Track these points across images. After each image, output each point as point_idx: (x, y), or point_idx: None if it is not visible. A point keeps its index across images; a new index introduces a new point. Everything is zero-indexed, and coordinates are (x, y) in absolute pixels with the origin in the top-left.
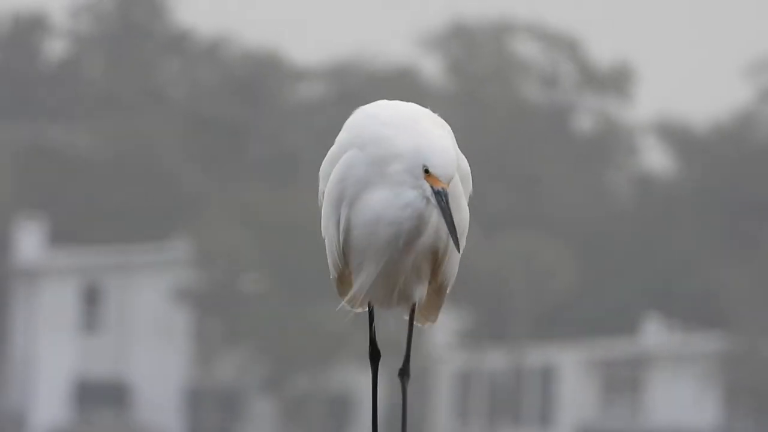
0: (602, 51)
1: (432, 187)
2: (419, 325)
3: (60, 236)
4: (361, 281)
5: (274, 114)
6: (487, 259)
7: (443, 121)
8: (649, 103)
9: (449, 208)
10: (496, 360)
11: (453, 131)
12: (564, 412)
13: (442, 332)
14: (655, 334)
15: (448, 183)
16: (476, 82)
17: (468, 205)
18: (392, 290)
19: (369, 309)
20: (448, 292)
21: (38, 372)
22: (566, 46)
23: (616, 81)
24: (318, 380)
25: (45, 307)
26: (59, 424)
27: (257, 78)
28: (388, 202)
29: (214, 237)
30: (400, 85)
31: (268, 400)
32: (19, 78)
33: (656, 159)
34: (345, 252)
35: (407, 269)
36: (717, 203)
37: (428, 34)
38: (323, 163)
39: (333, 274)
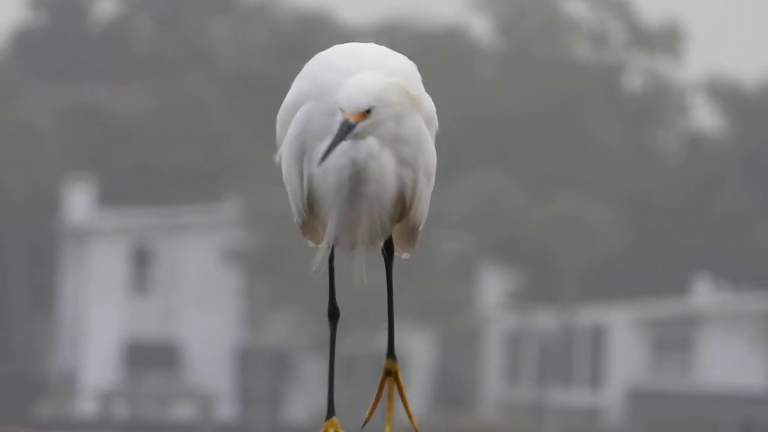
0: (652, 10)
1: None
2: (396, 254)
3: (109, 198)
4: (326, 231)
5: None
6: (536, 219)
7: (402, 59)
8: (698, 62)
9: (342, 136)
10: (545, 321)
11: (501, 91)
12: (614, 373)
13: (492, 293)
14: (704, 294)
15: (356, 113)
16: (525, 41)
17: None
18: (359, 237)
19: (329, 265)
20: (420, 229)
21: (88, 333)
22: (615, 4)
23: (666, 40)
24: (367, 340)
25: (95, 268)
26: (109, 385)
27: (306, 38)
28: (336, 155)
29: (263, 197)
30: (449, 44)
31: (318, 361)
32: (68, 40)
33: (705, 118)
34: (310, 202)
35: (371, 218)
36: (766, 162)
37: None
38: (281, 109)
39: (297, 220)
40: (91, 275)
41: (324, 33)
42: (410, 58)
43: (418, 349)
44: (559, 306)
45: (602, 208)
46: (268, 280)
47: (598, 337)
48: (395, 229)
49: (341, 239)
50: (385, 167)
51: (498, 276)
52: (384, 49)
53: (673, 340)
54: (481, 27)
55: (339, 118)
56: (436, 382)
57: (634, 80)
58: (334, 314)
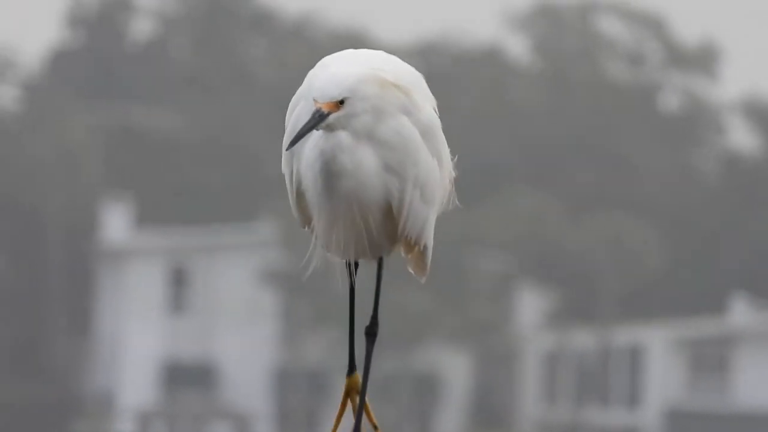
0: (688, 29)
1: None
2: (414, 274)
3: (147, 217)
4: (316, 231)
5: None
6: (574, 239)
7: (405, 67)
8: (735, 81)
9: (312, 125)
10: (583, 340)
11: (539, 111)
12: (651, 393)
13: (529, 313)
14: (742, 314)
15: (329, 103)
16: (562, 61)
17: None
18: (347, 241)
19: (350, 287)
20: (423, 248)
21: (126, 353)
22: (652, 24)
23: (703, 59)
24: (405, 360)
25: (132, 288)
26: (147, 405)
27: None
28: (309, 148)
29: None
30: (487, 64)
31: None
32: (105, 59)
33: (743, 138)
34: (301, 203)
35: (353, 219)
36: None
37: (514, 13)
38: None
39: (299, 223)
40: (129, 295)
41: None
42: (447, 78)
43: (455, 369)
44: (596, 326)
45: (640, 228)
46: (306, 300)
47: (635, 357)
48: (405, 246)
49: (331, 244)
50: (361, 164)
51: (536, 296)
52: (391, 56)
53: (710, 360)
54: (518, 47)
55: (312, 108)
56: (474, 402)
57: (671, 100)
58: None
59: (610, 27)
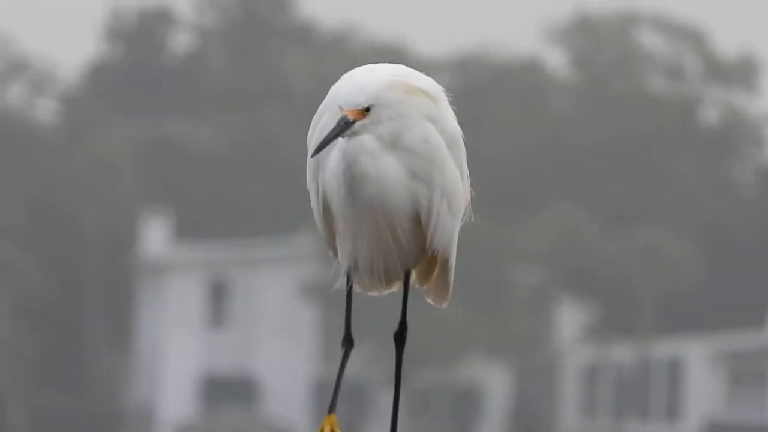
0: (727, 42)
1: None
2: (434, 303)
3: (186, 231)
4: (341, 251)
5: None
6: (612, 252)
7: (427, 79)
8: None
9: (337, 132)
10: (622, 354)
11: (577, 124)
12: (691, 406)
13: (568, 326)
14: None
15: (354, 110)
16: (601, 74)
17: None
18: (374, 255)
19: (347, 291)
20: (448, 265)
21: (165, 367)
22: (691, 37)
23: (742, 72)
24: (444, 374)
25: (171, 302)
26: (187, 419)
27: None
28: (333, 158)
29: None
30: (525, 77)
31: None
32: (144, 72)
33: None
34: (327, 219)
35: (378, 228)
36: None
37: (553, 26)
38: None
39: (325, 242)
40: (168, 309)
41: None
42: (485, 90)
43: (494, 383)
44: (635, 339)
45: (678, 241)
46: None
47: (674, 370)
48: (426, 267)
49: (358, 260)
50: (385, 169)
51: (574, 309)
52: (412, 70)
53: (749, 373)
54: (556, 60)
55: (338, 115)
56: (513, 416)
57: (709, 113)
58: (348, 343)
59: (649, 39)
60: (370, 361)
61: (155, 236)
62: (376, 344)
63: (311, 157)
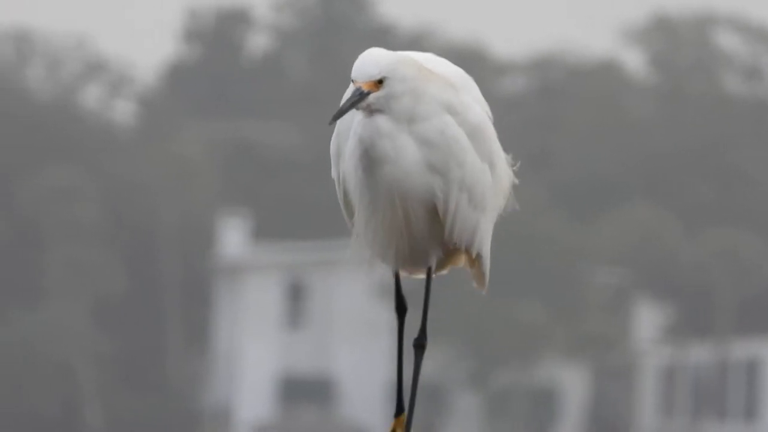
0: None
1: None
2: (477, 288)
3: (263, 232)
4: (356, 228)
5: None
6: (690, 252)
7: (455, 68)
8: None
9: (353, 102)
10: (700, 354)
11: (655, 124)
12: None
13: (646, 327)
14: None
15: (368, 82)
16: (678, 75)
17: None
18: (388, 240)
19: (394, 275)
20: (479, 257)
21: (243, 368)
22: None
23: None
24: (522, 374)
25: (249, 303)
26: (264, 419)
27: None
28: (351, 141)
29: None
30: (602, 78)
31: (472, 395)
32: (221, 73)
33: None
34: (348, 207)
35: (394, 210)
36: None
37: (630, 27)
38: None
39: (348, 223)
40: (246, 310)
41: (477, 66)
42: (563, 91)
43: (572, 383)
44: (713, 339)
45: (757, 241)
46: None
47: (752, 370)
48: (457, 255)
49: (372, 244)
50: (403, 150)
51: (652, 310)
52: (441, 59)
53: None
54: (634, 61)
55: (351, 88)
56: (592, 416)
57: None
58: (400, 309)
59: (727, 41)
60: (447, 361)
61: (233, 238)
62: (453, 345)
63: (329, 123)
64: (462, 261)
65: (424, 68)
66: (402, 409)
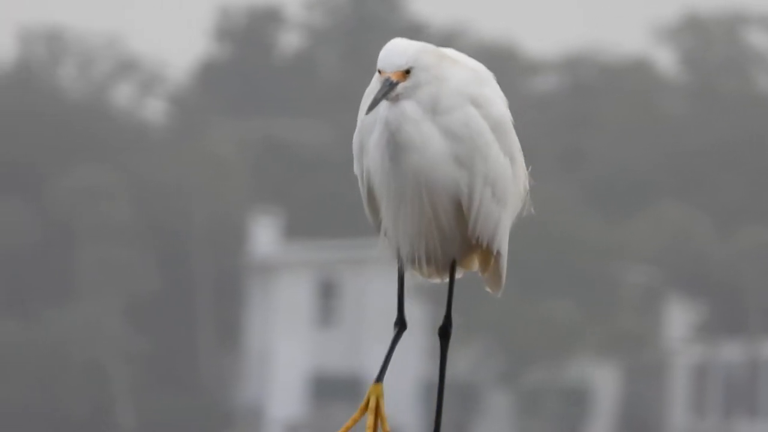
0: None
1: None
2: (490, 291)
3: (295, 231)
4: (384, 225)
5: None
6: (722, 251)
7: (475, 62)
8: None
9: (385, 92)
10: (731, 353)
11: (687, 123)
12: None
13: (678, 325)
14: None
15: (396, 72)
16: (710, 73)
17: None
18: (416, 234)
19: (399, 274)
20: (497, 255)
21: (275, 366)
22: None
23: None
24: (553, 373)
25: (281, 301)
26: (296, 418)
27: (491, 70)
28: (376, 130)
29: None
30: (634, 77)
31: (504, 394)
32: (253, 72)
33: None
34: (372, 204)
35: (421, 201)
36: None
37: (662, 25)
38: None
39: (371, 221)
40: (277, 308)
41: (509, 64)
42: (595, 90)
43: (603, 381)
44: (745, 338)
45: None
46: (455, 312)
47: None
48: (479, 256)
49: (400, 247)
50: (430, 138)
51: (684, 308)
52: (462, 54)
53: None
54: (665, 59)
55: (380, 78)
56: (623, 414)
57: None
58: (400, 325)
59: (758, 39)
60: (478, 360)
61: (264, 236)
62: (485, 343)
63: (366, 114)
64: (476, 264)
65: (446, 57)
66: (381, 377)
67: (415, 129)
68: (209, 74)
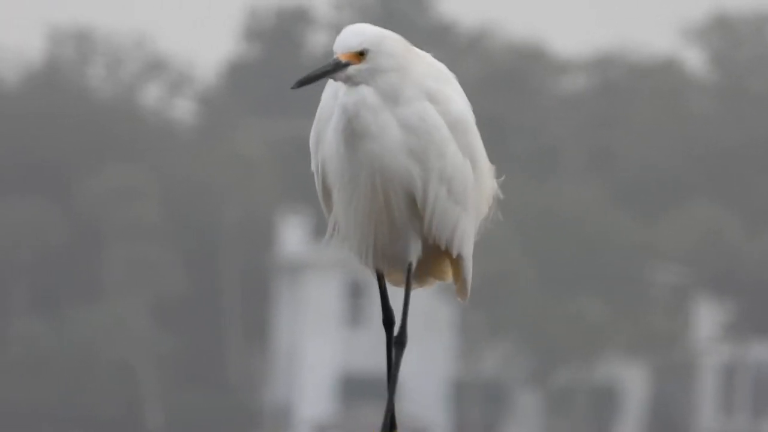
0: None
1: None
2: (458, 298)
3: (323, 230)
4: (332, 219)
5: (535, 107)
6: (752, 251)
7: (441, 66)
8: None
9: (327, 71)
10: (761, 352)
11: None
12: None
13: (707, 325)
14: None
15: (348, 53)
16: (740, 72)
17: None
18: (367, 227)
19: (377, 274)
20: (460, 259)
21: (303, 366)
22: None
23: None
24: (582, 372)
25: (309, 301)
26: (325, 417)
27: (519, 70)
28: (335, 115)
29: None
30: (663, 76)
31: (533, 393)
32: (282, 71)
33: None
34: (327, 194)
35: (375, 192)
36: None
37: (690, 25)
38: None
39: (326, 216)
40: (306, 308)
41: (537, 65)
42: (624, 89)
43: (633, 381)
44: None
45: None
46: (482, 312)
47: None
48: (441, 263)
49: (350, 237)
50: (385, 130)
51: (713, 308)
52: (425, 52)
53: None
54: (694, 59)
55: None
56: (651, 413)
57: None
58: (387, 322)
59: None
60: (508, 359)
61: (293, 235)
62: (514, 342)
63: (291, 88)
64: (449, 274)
65: (413, 49)
66: (395, 425)
67: (372, 117)
68: (238, 74)
